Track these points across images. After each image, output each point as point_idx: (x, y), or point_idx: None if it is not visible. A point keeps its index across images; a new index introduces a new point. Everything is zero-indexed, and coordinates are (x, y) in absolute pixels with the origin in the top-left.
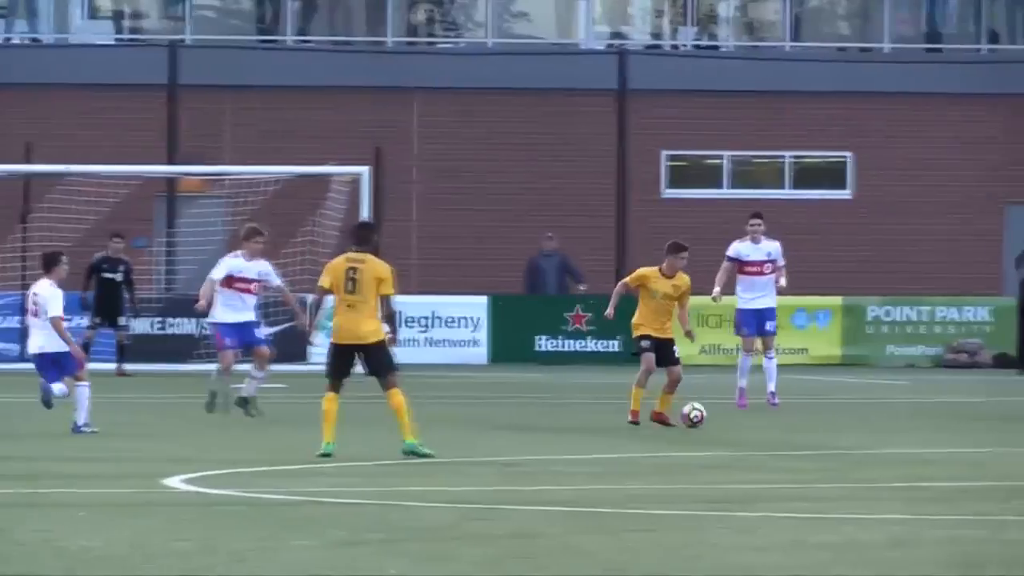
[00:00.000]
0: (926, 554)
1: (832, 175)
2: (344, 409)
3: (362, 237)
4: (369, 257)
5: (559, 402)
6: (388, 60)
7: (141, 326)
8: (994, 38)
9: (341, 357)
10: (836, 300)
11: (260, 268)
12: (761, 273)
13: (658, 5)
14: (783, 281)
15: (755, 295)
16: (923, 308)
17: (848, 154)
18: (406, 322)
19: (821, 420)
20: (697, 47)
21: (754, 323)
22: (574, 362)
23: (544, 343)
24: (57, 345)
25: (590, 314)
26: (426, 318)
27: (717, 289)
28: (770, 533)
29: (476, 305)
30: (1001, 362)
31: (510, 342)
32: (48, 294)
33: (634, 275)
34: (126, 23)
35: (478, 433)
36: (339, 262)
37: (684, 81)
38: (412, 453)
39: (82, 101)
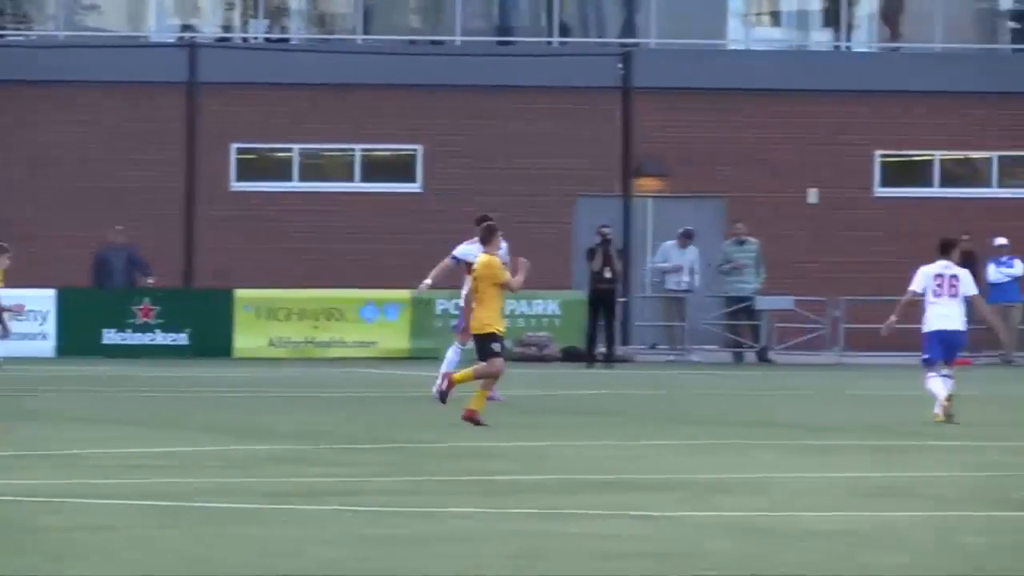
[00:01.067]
0: (492, 548)
1: (401, 168)
2: None
3: None
4: None
5: (127, 395)
6: None
7: None
8: (565, 31)
9: None
10: (405, 293)
11: None
12: None
13: None
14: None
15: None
16: None
17: (417, 146)
18: None
19: (389, 414)
20: (268, 40)
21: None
22: (142, 355)
23: (112, 336)
24: None
25: (158, 307)
26: None
27: (428, 281)
28: (337, 527)
29: (43, 298)
30: (570, 355)
31: (77, 335)
32: None
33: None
34: None
35: (48, 427)
36: None
37: (254, 74)
38: None
39: None
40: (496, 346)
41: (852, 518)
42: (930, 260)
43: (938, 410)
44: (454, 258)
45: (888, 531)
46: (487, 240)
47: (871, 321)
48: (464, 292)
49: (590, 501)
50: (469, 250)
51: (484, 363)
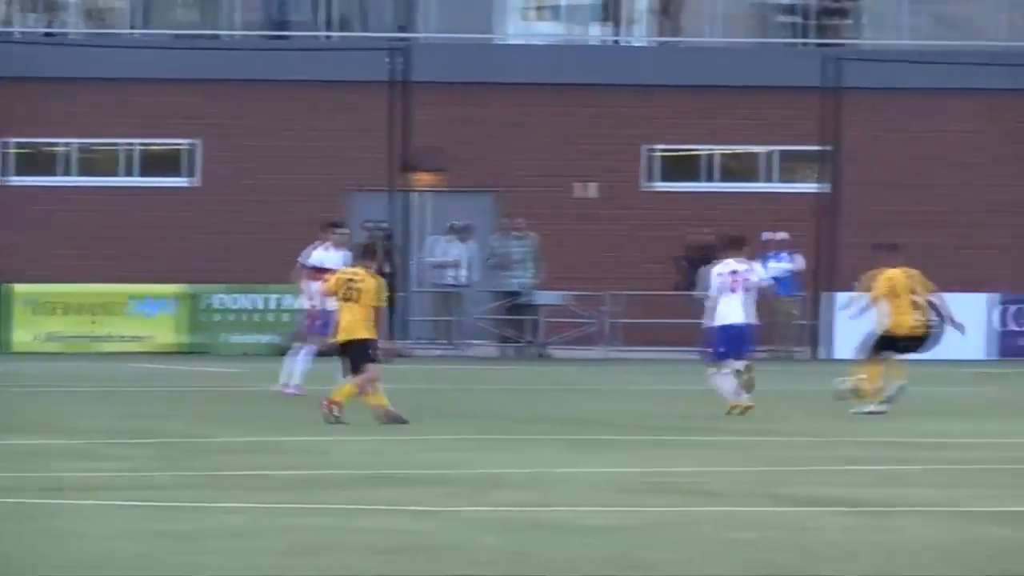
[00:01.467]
0: (265, 543)
1: (178, 162)
2: None
3: None
4: None
5: None
6: None
7: None
8: (344, 25)
9: None
10: (178, 288)
11: None
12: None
13: None
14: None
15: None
16: (269, 296)
17: (195, 141)
18: None
19: (159, 408)
20: (47, 34)
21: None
22: None
23: None
24: None
25: None
26: None
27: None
28: (111, 522)
29: None
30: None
31: None
32: None
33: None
34: None
35: None
36: None
37: (30, 69)
38: None
39: None
40: (372, 352)
41: (626, 513)
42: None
43: (734, 399)
44: (304, 265)
45: (662, 527)
46: (368, 256)
47: (642, 316)
48: (311, 299)
49: (365, 496)
50: (325, 256)
51: (362, 374)
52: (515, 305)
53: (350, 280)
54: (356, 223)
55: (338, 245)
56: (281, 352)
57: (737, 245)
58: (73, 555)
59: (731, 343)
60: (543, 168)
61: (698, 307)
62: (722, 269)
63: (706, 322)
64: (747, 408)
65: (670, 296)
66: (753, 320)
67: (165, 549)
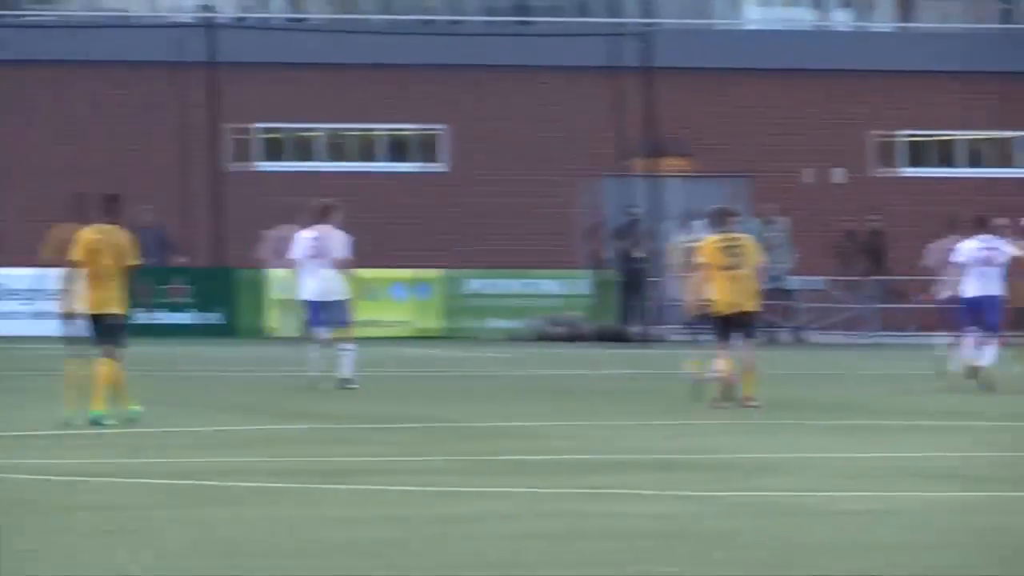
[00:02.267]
0: (532, 527)
1: (426, 148)
2: None
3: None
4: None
5: (159, 375)
6: None
7: None
8: (588, 11)
9: None
10: (436, 273)
11: None
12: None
13: None
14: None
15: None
16: (524, 280)
17: (443, 126)
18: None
19: (420, 393)
20: (289, 20)
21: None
22: (174, 335)
23: (142, 316)
24: None
25: (192, 287)
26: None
27: None
28: (361, 506)
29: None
30: (603, 335)
31: None
32: None
33: None
34: None
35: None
36: None
37: (273, 54)
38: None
39: None
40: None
41: (886, 499)
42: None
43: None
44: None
45: (918, 513)
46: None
47: (896, 301)
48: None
49: (629, 481)
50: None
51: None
52: (771, 290)
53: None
54: (609, 207)
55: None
56: (538, 337)
57: (983, 224)
58: (341, 540)
59: (979, 314)
60: (783, 154)
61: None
62: (974, 244)
63: (949, 293)
64: (979, 370)
65: (923, 280)
66: (1002, 293)
67: (425, 535)
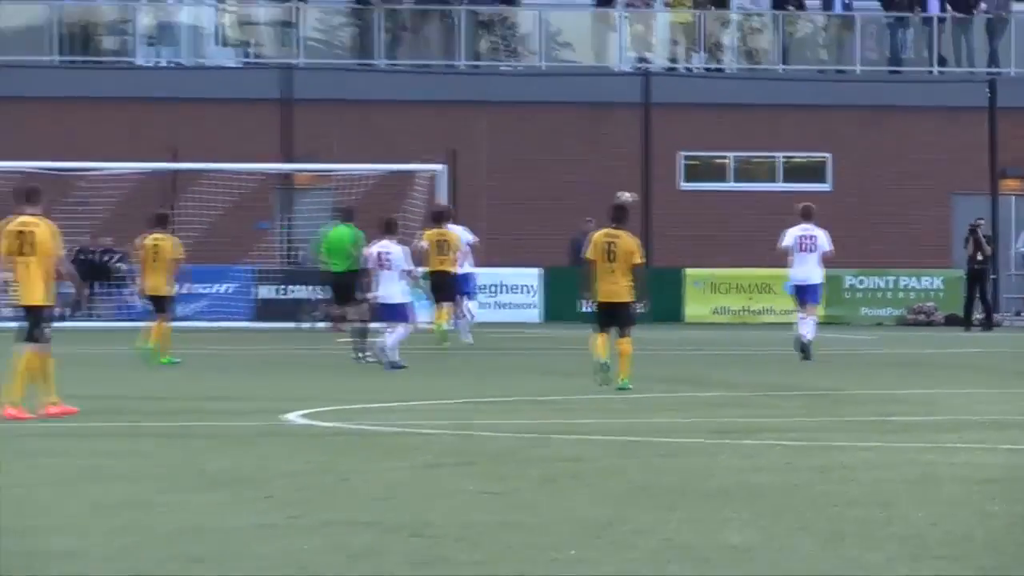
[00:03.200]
0: (894, 474)
1: (814, 172)
2: (424, 360)
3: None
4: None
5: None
6: (460, 80)
7: (266, 291)
8: (942, 62)
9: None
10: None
11: None
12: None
13: (675, 35)
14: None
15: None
16: (889, 277)
17: (828, 154)
18: (479, 289)
19: (807, 367)
20: (707, 70)
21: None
22: None
23: (586, 305)
24: None
25: None
26: (495, 286)
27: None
28: (767, 457)
29: (531, 275)
30: (951, 321)
31: (559, 305)
32: None
33: None
34: (250, 50)
35: (533, 377)
36: (599, 236)
37: (698, 96)
38: (624, 389)
39: (215, 112)
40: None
41: None
42: None
43: None
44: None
45: None
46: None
47: None
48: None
49: (965, 436)
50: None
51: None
52: None
53: None
54: (962, 221)
55: None
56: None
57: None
58: (729, 483)
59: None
60: None
61: None
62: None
63: None
64: None
65: None
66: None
67: (810, 480)
